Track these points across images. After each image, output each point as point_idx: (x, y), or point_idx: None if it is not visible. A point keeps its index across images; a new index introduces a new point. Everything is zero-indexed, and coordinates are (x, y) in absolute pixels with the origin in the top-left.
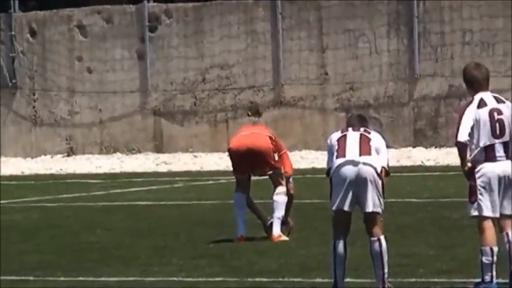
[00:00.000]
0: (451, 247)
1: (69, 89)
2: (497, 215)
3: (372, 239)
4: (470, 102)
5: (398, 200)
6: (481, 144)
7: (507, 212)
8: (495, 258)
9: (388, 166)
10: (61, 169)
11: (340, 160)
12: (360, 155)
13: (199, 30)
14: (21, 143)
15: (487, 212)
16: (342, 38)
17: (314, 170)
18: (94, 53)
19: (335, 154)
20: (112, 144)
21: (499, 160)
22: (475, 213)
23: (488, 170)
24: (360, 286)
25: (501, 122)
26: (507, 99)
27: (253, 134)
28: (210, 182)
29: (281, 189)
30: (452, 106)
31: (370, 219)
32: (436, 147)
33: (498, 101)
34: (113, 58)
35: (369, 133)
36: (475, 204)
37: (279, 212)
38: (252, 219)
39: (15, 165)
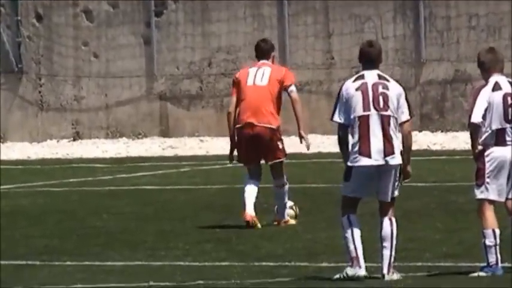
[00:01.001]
0: (457, 231)
1: (75, 74)
2: (503, 199)
3: (383, 219)
4: (485, 84)
5: (405, 184)
6: (493, 128)
7: None
8: (498, 240)
9: (410, 110)
10: (67, 154)
11: (365, 161)
12: (385, 155)
13: (205, 15)
14: (27, 127)
15: (493, 195)
16: (348, 24)
17: (320, 155)
18: (100, 38)
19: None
20: (118, 128)
21: (509, 144)
22: (481, 196)
23: (499, 154)
24: (366, 270)
25: None
26: None
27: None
28: (217, 166)
29: (281, 181)
30: (459, 90)
31: (386, 204)
32: (442, 131)
33: None
34: (119, 43)
35: (387, 87)
36: (482, 187)
37: (283, 200)
38: (259, 203)
39: (21, 150)
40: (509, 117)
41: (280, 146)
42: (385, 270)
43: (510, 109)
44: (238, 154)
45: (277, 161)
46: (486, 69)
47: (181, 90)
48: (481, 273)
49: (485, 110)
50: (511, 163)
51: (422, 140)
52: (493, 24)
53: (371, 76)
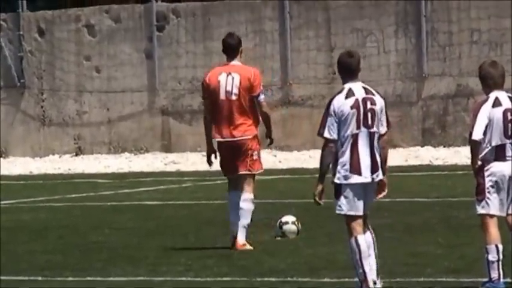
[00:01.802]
0: (458, 246)
1: (77, 89)
2: (504, 214)
3: (365, 229)
4: (486, 100)
5: (407, 200)
6: (493, 143)
7: None
8: (501, 255)
9: (388, 122)
10: (69, 169)
11: (357, 179)
12: (372, 172)
13: (207, 30)
14: (29, 142)
15: (494, 210)
16: (350, 38)
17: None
18: (102, 52)
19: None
20: (120, 143)
21: (509, 160)
22: (483, 211)
23: (498, 170)
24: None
25: None
26: None
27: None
28: (218, 181)
29: (249, 195)
30: (461, 105)
31: (364, 216)
32: (444, 146)
33: None
34: (121, 57)
35: (374, 103)
36: (483, 203)
37: (245, 220)
38: (259, 219)
39: (23, 165)
40: (509, 133)
41: (255, 157)
42: (375, 278)
43: (510, 125)
44: (221, 165)
45: (251, 172)
46: (487, 83)
47: (183, 105)
48: None
49: (486, 126)
50: (511, 178)
51: (424, 154)
52: (495, 40)
53: (359, 91)
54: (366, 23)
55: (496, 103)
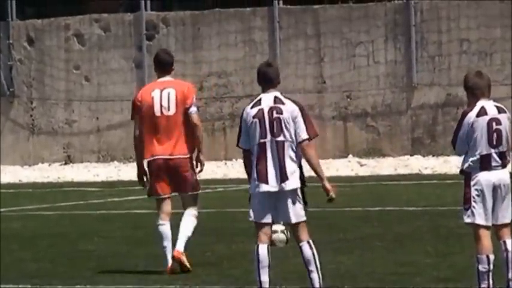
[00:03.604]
0: (448, 255)
1: (66, 98)
2: (490, 223)
3: (301, 244)
4: (471, 109)
5: (396, 209)
6: (478, 153)
7: (506, 220)
8: (491, 266)
9: (308, 129)
10: (58, 177)
11: (264, 187)
12: (281, 181)
13: (196, 39)
14: (19, 151)
15: (480, 219)
16: (340, 49)
17: (311, 179)
18: (91, 61)
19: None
20: (109, 152)
21: (495, 169)
22: (468, 220)
23: (483, 179)
24: None
25: (499, 132)
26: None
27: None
28: (207, 190)
29: (193, 211)
30: (450, 115)
31: (297, 229)
32: (433, 155)
33: (500, 110)
34: (111, 66)
35: (281, 111)
36: (469, 212)
37: (188, 231)
38: (246, 229)
39: (13, 174)
40: (494, 143)
41: (194, 177)
42: None
43: (495, 134)
44: (152, 185)
45: (196, 192)
46: (473, 93)
47: None
48: None
49: (469, 137)
50: (497, 188)
51: (414, 164)
52: (484, 50)
53: (267, 100)
54: (356, 33)
55: (481, 112)
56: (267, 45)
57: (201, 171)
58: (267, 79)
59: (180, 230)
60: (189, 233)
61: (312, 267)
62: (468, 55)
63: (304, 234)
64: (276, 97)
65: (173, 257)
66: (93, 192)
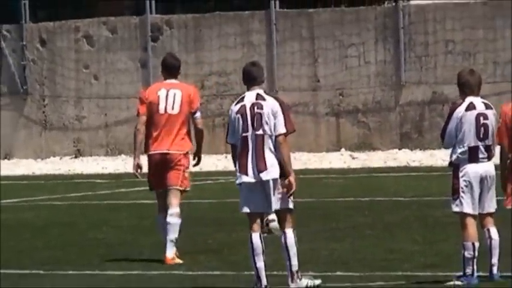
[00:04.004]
0: (434, 243)
1: (76, 95)
2: (477, 212)
3: (286, 229)
4: (460, 104)
5: (385, 199)
6: (466, 144)
7: (491, 209)
8: (476, 253)
9: (286, 124)
10: (69, 170)
11: (244, 178)
12: (259, 171)
13: (198, 41)
14: (32, 145)
15: (468, 208)
16: (333, 49)
17: (307, 171)
18: (100, 61)
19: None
20: (117, 146)
21: (482, 161)
22: (457, 209)
23: (471, 170)
24: (349, 279)
25: (486, 127)
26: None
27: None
28: (209, 181)
29: (176, 210)
30: (436, 111)
31: (282, 215)
32: (420, 149)
33: (487, 106)
34: (118, 66)
35: (262, 107)
36: (457, 201)
37: (173, 235)
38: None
39: (26, 166)
40: (481, 136)
41: (185, 174)
42: (289, 279)
43: (482, 128)
44: (149, 179)
45: (181, 188)
46: (465, 90)
47: None
48: (457, 282)
49: (458, 130)
50: (484, 179)
51: (402, 157)
52: (468, 50)
53: (250, 97)
54: (348, 35)
55: (470, 107)
56: (264, 46)
57: (196, 164)
58: (250, 78)
59: (167, 234)
60: (176, 235)
61: (291, 253)
62: (453, 55)
63: (288, 221)
64: (258, 94)
65: (165, 263)
66: (101, 184)
